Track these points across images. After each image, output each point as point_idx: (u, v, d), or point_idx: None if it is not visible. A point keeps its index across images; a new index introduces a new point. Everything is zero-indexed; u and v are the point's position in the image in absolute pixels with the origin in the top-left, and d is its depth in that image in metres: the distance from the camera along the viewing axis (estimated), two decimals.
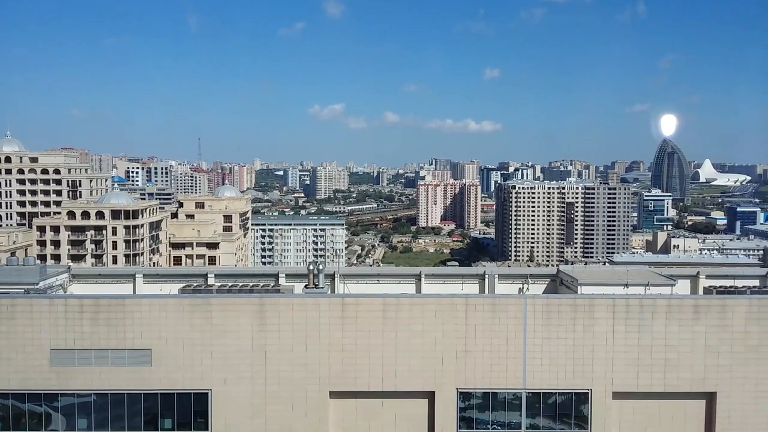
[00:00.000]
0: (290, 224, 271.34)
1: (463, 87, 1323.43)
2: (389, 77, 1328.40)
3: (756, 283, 51.43)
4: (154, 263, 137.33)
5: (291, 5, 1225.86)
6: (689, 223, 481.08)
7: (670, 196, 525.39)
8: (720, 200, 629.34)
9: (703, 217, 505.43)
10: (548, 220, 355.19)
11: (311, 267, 45.75)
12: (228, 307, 38.26)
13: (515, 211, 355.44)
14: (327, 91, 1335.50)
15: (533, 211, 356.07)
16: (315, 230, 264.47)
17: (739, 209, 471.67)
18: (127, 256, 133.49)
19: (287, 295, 41.16)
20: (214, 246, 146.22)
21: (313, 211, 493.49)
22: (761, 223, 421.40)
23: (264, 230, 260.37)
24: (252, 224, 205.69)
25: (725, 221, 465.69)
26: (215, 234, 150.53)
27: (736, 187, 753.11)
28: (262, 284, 46.43)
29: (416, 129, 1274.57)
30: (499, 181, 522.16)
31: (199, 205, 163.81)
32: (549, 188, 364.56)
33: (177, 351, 37.65)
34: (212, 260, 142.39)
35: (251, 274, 55.11)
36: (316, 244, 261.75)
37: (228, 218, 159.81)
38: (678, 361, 37.91)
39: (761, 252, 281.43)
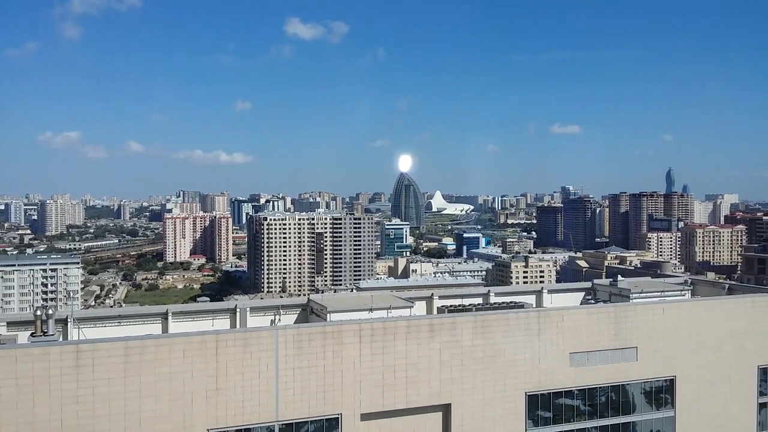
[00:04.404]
0: (13, 264, 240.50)
1: (214, 118, 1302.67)
2: (133, 105, 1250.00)
3: (480, 300, 57.57)
4: None
5: (19, 21, 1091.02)
6: (425, 248, 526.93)
7: (408, 224, 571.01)
8: (449, 227, 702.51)
9: (436, 243, 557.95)
10: (299, 251, 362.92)
11: (39, 312, 40.85)
12: None
13: (267, 242, 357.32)
14: (61, 118, 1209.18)
15: (285, 242, 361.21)
16: (44, 270, 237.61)
17: (465, 235, 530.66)
18: None
19: (8, 346, 36.14)
20: None
21: (42, 250, 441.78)
22: (483, 247, 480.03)
23: None
24: None
25: (454, 246, 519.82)
26: None
27: (462, 215, 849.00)
28: None
29: (163, 160, 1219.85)
30: (250, 213, 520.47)
31: None
32: (299, 219, 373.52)
33: None
34: None
35: None
36: (46, 286, 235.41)
37: None
38: (418, 378, 40.90)
39: (484, 272, 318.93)
